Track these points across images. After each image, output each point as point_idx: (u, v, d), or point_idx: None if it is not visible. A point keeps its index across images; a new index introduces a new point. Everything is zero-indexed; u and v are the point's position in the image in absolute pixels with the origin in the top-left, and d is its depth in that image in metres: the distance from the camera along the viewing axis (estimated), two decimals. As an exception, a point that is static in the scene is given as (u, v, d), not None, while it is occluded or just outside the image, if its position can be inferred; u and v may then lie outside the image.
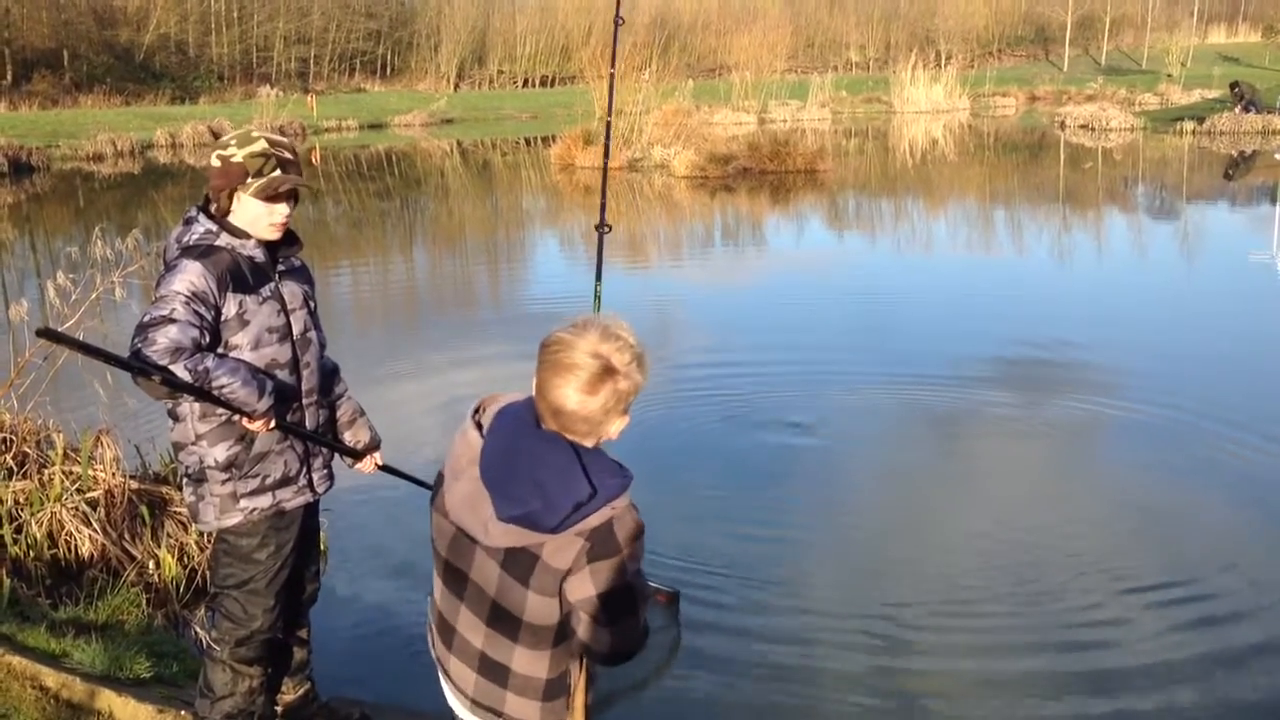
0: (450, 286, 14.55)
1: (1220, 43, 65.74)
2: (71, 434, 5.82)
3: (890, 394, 8.18)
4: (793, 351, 9.48)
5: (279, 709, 3.76)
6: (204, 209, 3.27)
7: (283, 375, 3.29)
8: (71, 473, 5.49)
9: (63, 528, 5.31)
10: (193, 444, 3.28)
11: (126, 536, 5.37)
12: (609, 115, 5.25)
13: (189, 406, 3.23)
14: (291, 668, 3.74)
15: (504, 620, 2.26)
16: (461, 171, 30.68)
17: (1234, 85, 35.63)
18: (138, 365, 2.93)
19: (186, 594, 5.19)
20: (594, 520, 2.13)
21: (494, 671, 2.32)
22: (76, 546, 5.30)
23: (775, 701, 4.32)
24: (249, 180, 3.19)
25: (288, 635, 3.67)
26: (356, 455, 3.65)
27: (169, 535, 5.39)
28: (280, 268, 3.34)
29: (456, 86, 61.60)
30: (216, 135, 38.03)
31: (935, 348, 9.45)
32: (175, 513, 5.53)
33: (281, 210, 3.26)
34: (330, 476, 3.61)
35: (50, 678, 4.03)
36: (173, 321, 3.01)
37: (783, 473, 6.76)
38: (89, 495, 5.42)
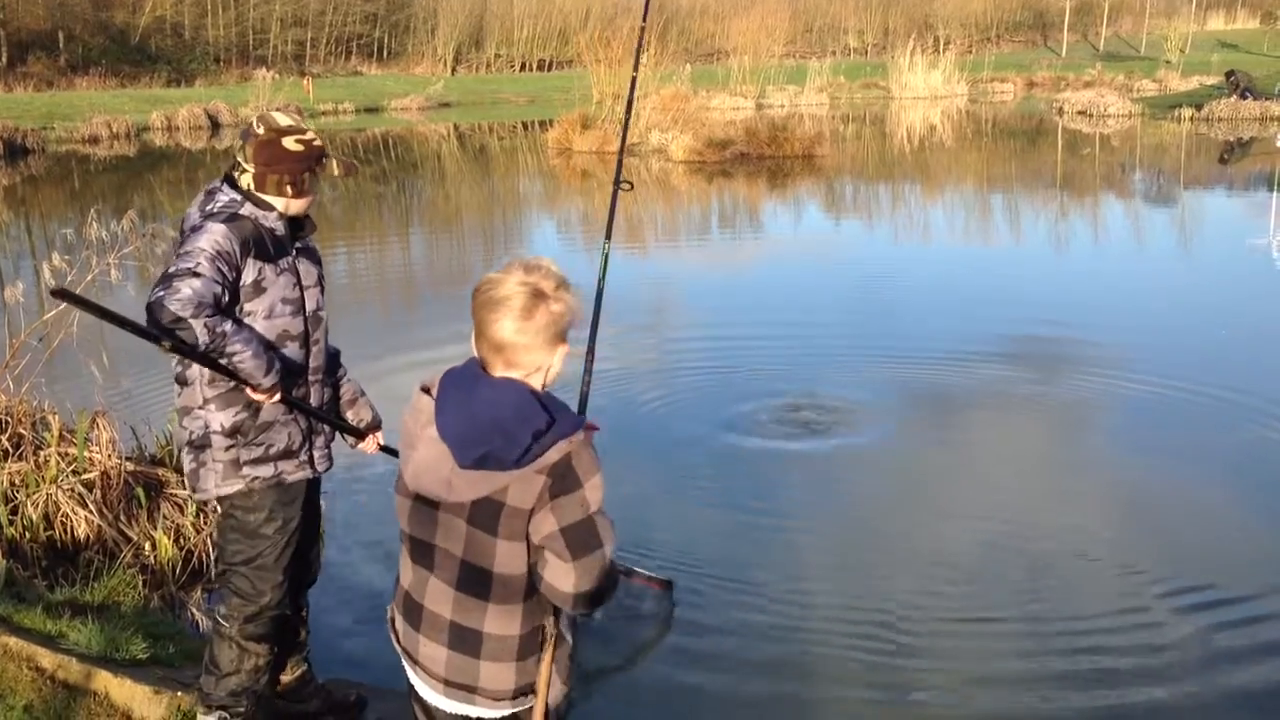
0: (447, 269, 14.53)
1: (1219, 29, 65.61)
2: (67, 415, 5.82)
3: (888, 376, 8.18)
4: (790, 335, 9.47)
5: (276, 691, 3.75)
6: (229, 181, 3.32)
7: (292, 348, 3.34)
8: (67, 454, 5.49)
9: (59, 509, 5.31)
10: (199, 408, 3.31)
11: (123, 518, 5.37)
12: (632, 89, 5.11)
13: (198, 370, 3.26)
14: (292, 651, 3.74)
15: (474, 580, 2.31)
16: (458, 155, 30.63)
17: (1230, 74, 35.57)
18: (152, 332, 2.97)
19: (183, 575, 5.19)
20: (552, 455, 2.21)
21: (466, 642, 2.34)
22: (73, 528, 5.30)
23: (774, 696, 4.32)
24: (325, 160, 3.35)
25: (294, 613, 3.68)
26: (359, 434, 3.69)
27: (165, 517, 5.39)
28: (298, 245, 3.41)
29: (454, 70, 61.44)
30: (212, 118, 37.96)
31: (933, 331, 9.44)
32: (171, 494, 5.53)
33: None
34: (330, 457, 3.62)
35: (47, 659, 4.03)
36: (197, 275, 3.06)
37: (781, 457, 6.76)
38: (85, 477, 5.41)
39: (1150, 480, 6.32)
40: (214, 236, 3.15)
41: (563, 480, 2.22)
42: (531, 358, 2.28)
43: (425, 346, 9.12)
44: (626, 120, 4.45)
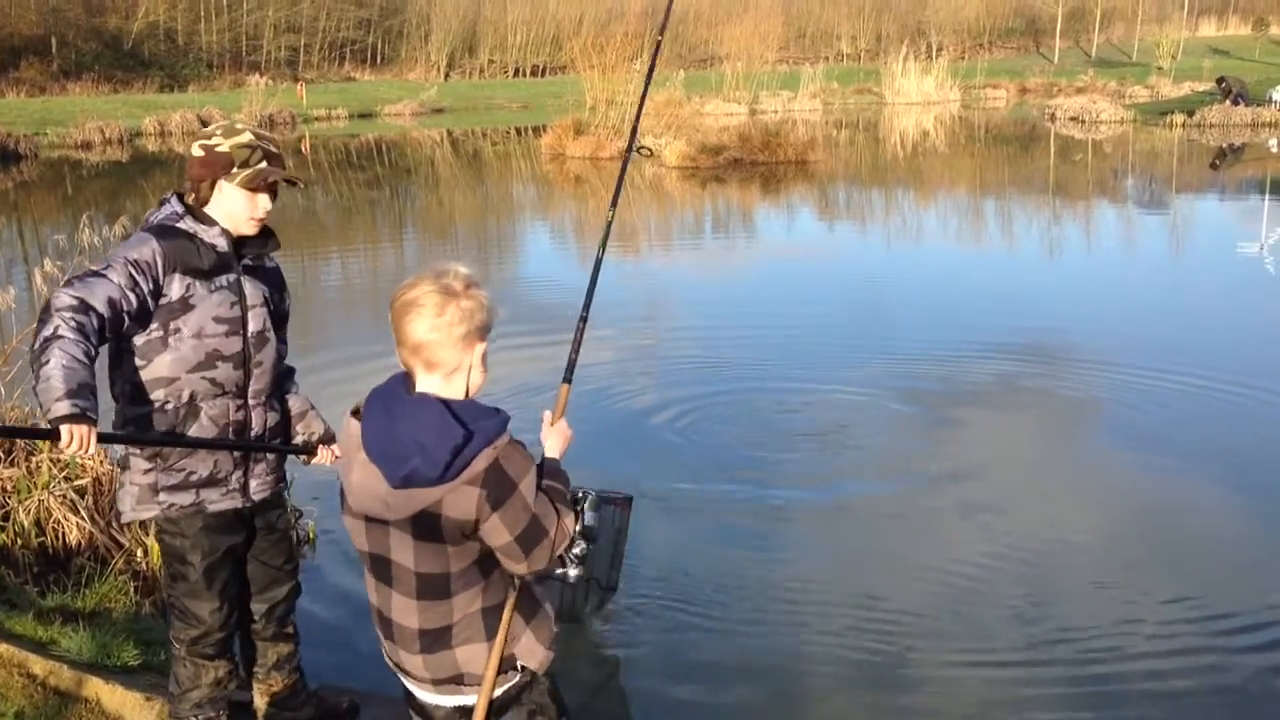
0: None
1: (1210, 35, 65.82)
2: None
3: (880, 380, 8.18)
4: (782, 338, 9.48)
5: (267, 700, 3.75)
6: (179, 195, 3.25)
7: (225, 369, 3.20)
8: (59, 460, 5.47)
9: (50, 515, 5.29)
10: (121, 428, 3.19)
11: (114, 524, 5.35)
12: (650, 71, 5.06)
13: (120, 389, 3.17)
14: (278, 662, 3.70)
15: (433, 587, 2.37)
16: (452, 161, 30.63)
17: (1220, 80, 35.70)
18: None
19: (174, 582, 5.17)
20: (479, 464, 2.27)
21: (439, 641, 2.41)
22: (64, 534, 5.28)
23: (762, 705, 4.32)
24: (234, 170, 3.15)
25: (264, 632, 3.62)
26: (308, 451, 3.56)
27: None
28: (248, 262, 3.27)
29: (447, 76, 61.46)
30: (205, 124, 37.82)
31: (925, 335, 9.44)
32: (163, 501, 5.50)
33: (264, 203, 3.22)
34: (278, 481, 3.50)
35: (38, 665, 4.01)
36: (102, 277, 2.97)
37: (773, 462, 6.76)
38: (77, 483, 5.40)
39: (1146, 484, 6.32)
40: (138, 247, 3.07)
41: (498, 487, 2.28)
42: (447, 354, 2.34)
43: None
44: (646, 85, 4.39)
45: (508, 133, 38.72)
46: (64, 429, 2.66)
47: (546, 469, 2.53)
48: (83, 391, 2.75)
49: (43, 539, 5.27)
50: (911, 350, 9.01)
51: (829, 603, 5.00)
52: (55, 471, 5.41)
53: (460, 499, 2.27)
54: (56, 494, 5.32)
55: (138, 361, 3.13)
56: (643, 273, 13.45)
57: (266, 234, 3.32)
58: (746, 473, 6.58)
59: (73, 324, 2.83)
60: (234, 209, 3.19)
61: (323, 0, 59.31)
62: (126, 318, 3.01)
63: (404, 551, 2.37)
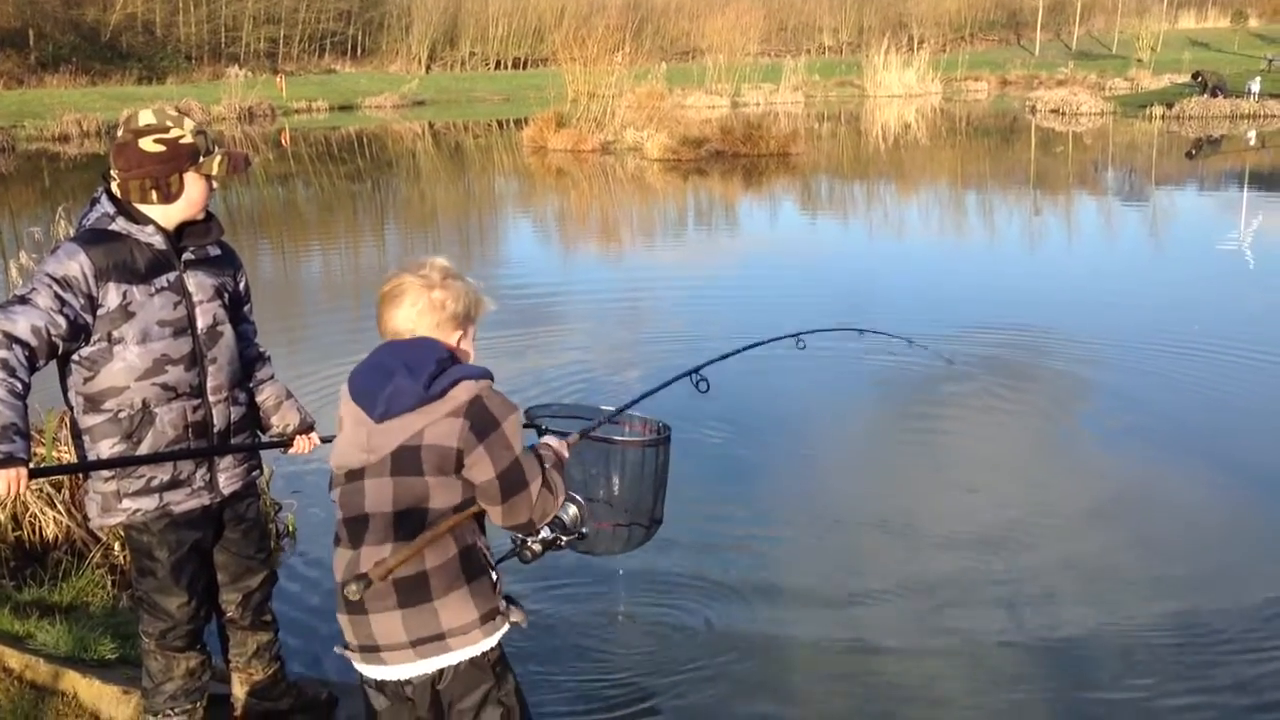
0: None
1: (1190, 28, 66.15)
2: (35, 414, 5.74)
3: (861, 370, 8.21)
4: (761, 327, 9.46)
5: (246, 690, 3.74)
6: (109, 193, 3.11)
7: (176, 372, 3.12)
8: (35, 454, 5.43)
9: (27, 510, 5.26)
10: (78, 438, 3.15)
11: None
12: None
13: (73, 396, 3.11)
14: (257, 650, 3.69)
15: (409, 525, 2.40)
16: (433, 154, 30.53)
17: (1196, 75, 35.88)
18: None
19: (153, 576, 5.15)
20: (461, 394, 2.37)
21: (415, 590, 2.40)
22: (41, 528, 5.25)
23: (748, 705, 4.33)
24: (202, 159, 3.09)
25: (241, 621, 3.61)
26: (284, 444, 3.51)
27: (135, 517, 5.34)
28: (189, 257, 3.17)
29: (428, 68, 61.19)
30: (184, 116, 37.62)
31: (904, 325, 9.44)
32: (141, 494, 5.47)
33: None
34: (249, 471, 3.45)
35: (14, 659, 3.99)
36: (26, 304, 2.90)
37: (750, 454, 6.77)
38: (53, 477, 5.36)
39: (1126, 465, 6.36)
40: (65, 262, 2.96)
41: (482, 418, 2.38)
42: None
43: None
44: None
45: (489, 125, 38.60)
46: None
47: (540, 445, 2.70)
48: (7, 433, 2.73)
49: (19, 533, 5.24)
50: (890, 339, 9.02)
51: (809, 590, 5.02)
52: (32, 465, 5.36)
53: (442, 428, 2.37)
54: (33, 488, 5.28)
55: (85, 374, 3.06)
56: (623, 265, 13.43)
57: (206, 220, 3.23)
58: (725, 464, 6.60)
59: (12, 358, 2.81)
60: (194, 198, 3.13)
61: (303, -8, 59.00)
62: (59, 341, 2.94)
63: (381, 494, 2.42)
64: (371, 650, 2.46)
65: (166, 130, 3.07)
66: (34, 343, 2.87)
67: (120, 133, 3.10)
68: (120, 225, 3.05)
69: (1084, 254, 13.88)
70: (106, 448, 3.10)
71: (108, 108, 36.94)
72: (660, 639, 4.63)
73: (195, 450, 3.20)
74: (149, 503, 3.18)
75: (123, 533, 3.34)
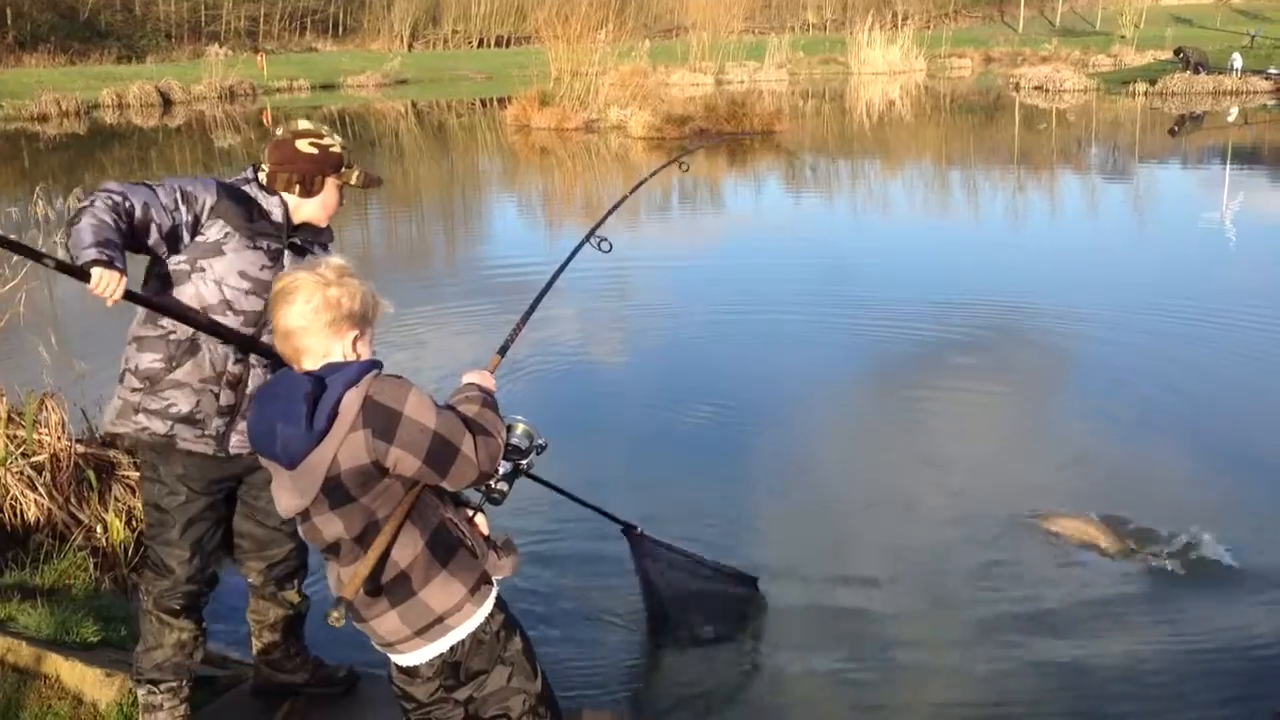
0: (406, 249, 14.42)
1: (1173, 4, 66.07)
2: (15, 397, 5.71)
3: (845, 345, 8.23)
4: (750, 308, 9.50)
5: (263, 660, 3.79)
6: (255, 168, 3.43)
7: (233, 319, 3.26)
8: (16, 437, 5.40)
9: (7, 492, 5.23)
10: (129, 343, 3.34)
11: (73, 501, 5.30)
12: None
13: (141, 310, 3.29)
14: (274, 623, 3.72)
15: (369, 540, 2.41)
16: (416, 133, 30.37)
17: (1178, 51, 35.84)
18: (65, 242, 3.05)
19: (134, 558, 5.12)
20: (351, 406, 2.31)
21: (399, 589, 2.46)
22: (22, 511, 5.22)
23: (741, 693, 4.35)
24: (343, 170, 3.43)
25: (262, 590, 3.66)
26: None
27: (116, 499, 5.33)
28: (296, 241, 3.42)
29: (410, 46, 60.78)
30: (164, 95, 37.40)
31: (889, 301, 9.48)
32: (123, 477, 5.46)
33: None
34: None
35: (-5, 643, 3.98)
36: (147, 187, 3.18)
37: (738, 432, 6.78)
38: (34, 459, 5.33)
39: (1119, 449, 6.39)
40: (196, 182, 3.27)
41: (380, 420, 2.33)
42: (313, 341, 2.41)
43: (381, 327, 9.05)
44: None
45: (472, 104, 38.41)
46: (94, 271, 2.86)
47: (456, 391, 2.60)
48: (110, 244, 2.96)
49: (0, 516, 5.21)
50: (875, 316, 9.06)
51: (795, 562, 5.04)
52: (12, 448, 5.35)
53: (351, 448, 2.32)
54: (13, 471, 5.26)
55: (158, 286, 3.27)
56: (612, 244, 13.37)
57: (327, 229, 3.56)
58: (711, 433, 6.62)
59: (108, 202, 3.06)
60: (328, 201, 3.45)
61: (283, -31, 58.46)
62: (155, 230, 3.17)
63: (333, 527, 2.42)
64: (386, 645, 2.56)
65: (321, 137, 3.41)
66: (138, 214, 3.12)
67: (280, 132, 3.43)
68: (253, 191, 3.37)
69: (1067, 230, 13.90)
70: (147, 360, 3.29)
71: (87, 87, 36.62)
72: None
73: (239, 336, 3.28)
74: (160, 426, 3.31)
75: (139, 481, 3.45)
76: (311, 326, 2.40)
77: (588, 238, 3.90)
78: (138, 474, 5.39)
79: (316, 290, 2.40)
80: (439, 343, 8.67)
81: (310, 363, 2.42)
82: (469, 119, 34.21)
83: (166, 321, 3.25)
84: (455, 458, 2.37)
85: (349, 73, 47.66)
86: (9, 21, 48.40)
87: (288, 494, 2.43)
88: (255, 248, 3.31)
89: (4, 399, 5.61)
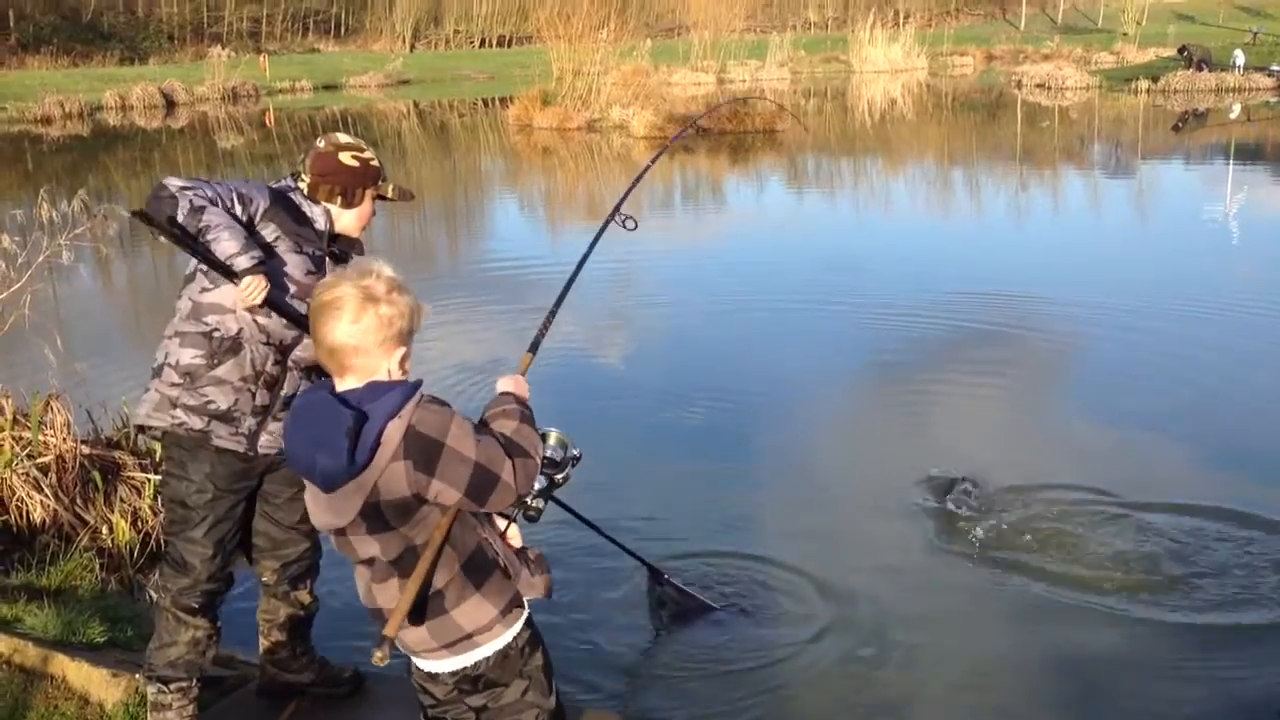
0: (409, 249, 14.44)
1: (1175, 1, 66.07)
2: (21, 399, 5.74)
3: (848, 344, 8.24)
4: (752, 303, 9.51)
5: (269, 658, 3.80)
6: (295, 176, 3.50)
7: (277, 324, 3.34)
8: (21, 438, 5.42)
9: (13, 493, 5.25)
10: (169, 338, 3.38)
11: (79, 502, 5.32)
12: None
13: (184, 304, 3.36)
14: (284, 622, 3.74)
15: (407, 565, 2.37)
16: (419, 133, 30.39)
17: (1182, 49, 35.81)
18: (157, 219, 3.15)
19: (140, 558, 5.16)
20: (393, 437, 2.25)
21: (431, 608, 2.42)
22: (28, 512, 5.24)
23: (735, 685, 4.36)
24: (381, 182, 3.52)
25: (275, 588, 3.68)
26: None
27: (122, 500, 5.34)
28: (334, 250, 3.49)
29: (412, 47, 60.79)
30: (167, 97, 37.42)
31: (891, 296, 9.49)
32: (129, 478, 5.47)
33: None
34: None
35: (2, 643, 3.99)
36: (207, 182, 3.26)
37: (740, 422, 6.79)
38: (40, 461, 5.35)
39: (1107, 441, 6.40)
40: (249, 186, 3.37)
41: (422, 452, 2.26)
42: (363, 361, 2.30)
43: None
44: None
45: (474, 104, 38.42)
46: (250, 277, 3.14)
47: (492, 404, 2.50)
48: (250, 244, 3.19)
49: (6, 517, 5.23)
50: (876, 312, 9.07)
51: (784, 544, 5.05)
52: (18, 450, 5.36)
53: (391, 479, 2.26)
54: (20, 472, 5.28)
55: (206, 283, 3.34)
56: (611, 242, 13.38)
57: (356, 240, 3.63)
58: (717, 428, 6.63)
59: (208, 200, 3.19)
60: (365, 212, 3.54)
61: (285, -30, 58.48)
62: None
63: (369, 548, 2.38)
64: (411, 651, 2.53)
65: (362, 151, 3.50)
66: (210, 198, 3.21)
67: (322, 144, 3.49)
68: (298, 198, 3.45)
69: (1069, 227, 13.90)
70: (188, 356, 3.34)
71: (90, 89, 36.65)
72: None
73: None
74: (196, 422, 3.35)
75: (160, 479, 3.49)
76: (361, 345, 2.28)
77: (612, 216, 3.91)
78: (143, 475, 5.41)
79: (366, 307, 2.28)
80: (447, 339, 8.68)
81: (355, 379, 2.32)
82: (471, 119, 34.24)
83: (210, 318, 3.31)
84: (495, 485, 2.31)
85: (351, 73, 47.66)
86: (12, 23, 48.46)
87: (323, 512, 2.37)
88: (301, 253, 3.39)
89: (10, 400, 5.63)
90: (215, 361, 3.33)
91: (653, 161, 4.55)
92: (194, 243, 3.16)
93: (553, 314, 3.20)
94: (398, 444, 2.24)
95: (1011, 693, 4.16)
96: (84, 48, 49.69)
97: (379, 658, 2.27)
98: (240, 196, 3.30)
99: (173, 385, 3.35)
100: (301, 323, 3.24)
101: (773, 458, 6.36)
